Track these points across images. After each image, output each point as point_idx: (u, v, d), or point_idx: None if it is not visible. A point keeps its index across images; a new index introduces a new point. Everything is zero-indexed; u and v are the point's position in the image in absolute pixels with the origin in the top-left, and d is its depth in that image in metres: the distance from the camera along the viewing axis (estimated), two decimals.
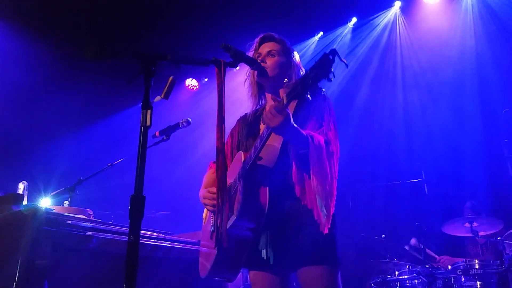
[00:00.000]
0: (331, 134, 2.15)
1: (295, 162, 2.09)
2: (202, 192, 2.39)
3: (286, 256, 2.12)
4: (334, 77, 1.71)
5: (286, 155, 2.16)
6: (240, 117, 2.60)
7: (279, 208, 2.14)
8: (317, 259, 2.08)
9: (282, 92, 2.22)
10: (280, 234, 2.14)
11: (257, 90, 2.47)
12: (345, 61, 1.74)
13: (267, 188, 2.11)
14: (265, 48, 2.39)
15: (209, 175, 2.54)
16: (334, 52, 1.71)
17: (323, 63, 1.71)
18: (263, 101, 2.50)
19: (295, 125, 1.98)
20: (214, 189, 2.30)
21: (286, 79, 2.27)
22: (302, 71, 2.36)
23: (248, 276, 2.35)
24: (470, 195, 5.32)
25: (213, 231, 2.35)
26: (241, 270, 2.44)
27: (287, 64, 2.36)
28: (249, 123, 2.47)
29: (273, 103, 1.94)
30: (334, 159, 2.11)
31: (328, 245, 2.10)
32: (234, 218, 2.10)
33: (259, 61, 2.32)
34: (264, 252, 2.16)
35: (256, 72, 2.35)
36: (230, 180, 2.24)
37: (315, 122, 2.19)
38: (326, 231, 2.01)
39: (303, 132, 2.04)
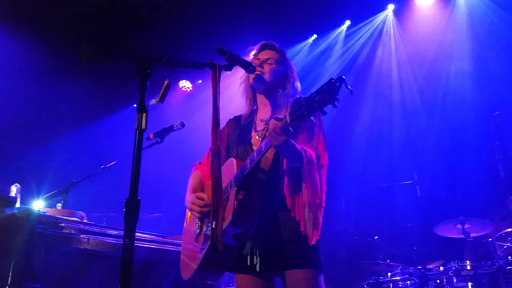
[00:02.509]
0: (320, 147, 2.23)
1: (287, 175, 2.15)
2: (190, 197, 2.40)
3: (272, 261, 2.19)
4: (339, 102, 1.75)
5: (277, 166, 2.23)
6: (230, 119, 2.61)
7: (268, 217, 2.20)
8: (302, 263, 2.16)
9: (283, 112, 2.22)
10: (267, 241, 2.21)
11: (251, 94, 2.50)
12: (350, 88, 1.78)
13: (259, 197, 2.17)
14: (265, 55, 2.44)
15: (194, 177, 2.55)
16: (341, 80, 1.76)
17: (330, 89, 1.77)
18: (255, 106, 2.52)
19: (292, 141, 2.05)
20: (202, 195, 2.35)
21: (280, 90, 2.36)
22: (298, 84, 2.44)
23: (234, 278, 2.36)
24: (462, 197, 5.36)
25: (198, 234, 2.38)
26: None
27: (283, 73, 2.42)
28: (240, 128, 2.49)
29: (275, 121, 1.99)
30: (323, 172, 2.20)
31: (313, 250, 2.18)
32: (226, 224, 2.12)
33: (256, 66, 2.36)
34: (249, 258, 2.22)
35: (252, 77, 2.38)
36: None
37: (305, 135, 2.26)
38: (313, 242, 2.10)
39: (298, 147, 2.11)
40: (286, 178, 2.16)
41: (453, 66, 6.00)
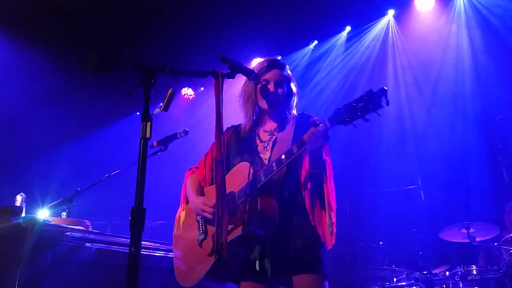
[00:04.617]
0: (328, 158, 2.28)
1: (310, 180, 2.20)
2: (198, 200, 2.37)
3: (281, 266, 2.20)
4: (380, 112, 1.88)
5: (293, 172, 2.27)
6: (228, 128, 2.61)
7: (284, 222, 2.21)
8: (311, 268, 2.19)
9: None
10: (279, 245, 2.22)
11: (253, 107, 2.49)
12: (388, 100, 1.88)
13: (276, 201, 2.20)
14: (274, 75, 2.45)
15: (193, 181, 2.52)
16: (383, 91, 1.88)
17: (373, 98, 1.88)
18: (254, 117, 2.52)
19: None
20: (213, 200, 2.32)
21: (287, 110, 2.47)
22: (295, 96, 2.52)
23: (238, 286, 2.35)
24: (466, 201, 5.34)
25: (203, 239, 2.35)
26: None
27: (290, 92, 2.50)
28: (242, 138, 2.50)
29: (313, 127, 2.07)
30: (332, 181, 2.26)
31: (323, 255, 2.23)
32: (248, 227, 2.11)
33: (269, 93, 2.41)
34: (258, 263, 2.22)
35: (264, 102, 2.43)
36: (232, 189, 2.27)
37: None
38: (330, 247, 2.14)
39: (323, 154, 2.19)
40: (309, 184, 2.20)
41: (455, 70, 6.00)
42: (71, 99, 6.60)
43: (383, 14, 6.55)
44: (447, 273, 4.29)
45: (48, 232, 2.55)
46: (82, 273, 2.61)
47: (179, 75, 1.83)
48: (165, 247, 3.22)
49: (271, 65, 2.46)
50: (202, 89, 7.93)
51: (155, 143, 3.08)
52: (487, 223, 4.67)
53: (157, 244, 3.18)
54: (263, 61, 2.50)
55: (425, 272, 4.41)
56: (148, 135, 1.61)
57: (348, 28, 6.77)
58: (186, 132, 3.11)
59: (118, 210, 5.45)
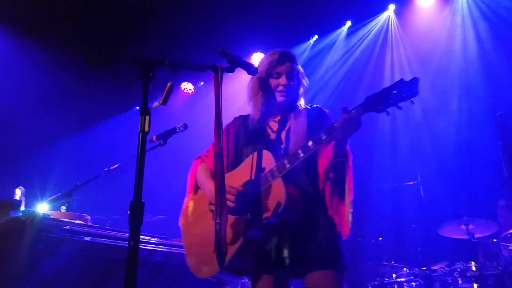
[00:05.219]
0: (348, 147, 2.25)
1: (333, 170, 2.19)
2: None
3: (300, 257, 2.17)
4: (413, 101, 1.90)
5: (311, 162, 2.25)
6: (236, 117, 2.58)
7: (303, 211, 2.19)
8: (329, 264, 2.17)
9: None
10: (298, 235, 2.19)
11: (262, 99, 2.43)
12: (418, 90, 1.90)
13: (297, 188, 2.20)
14: (286, 68, 2.40)
15: (205, 170, 2.45)
16: (416, 81, 1.90)
17: (406, 87, 1.90)
18: (264, 109, 2.45)
19: None
20: (235, 185, 2.23)
21: (298, 101, 2.44)
22: (304, 88, 2.50)
23: (250, 277, 2.31)
24: (465, 197, 5.34)
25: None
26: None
27: (300, 84, 2.47)
28: (251, 129, 2.45)
29: (344, 113, 2.06)
30: None
31: (339, 251, 2.22)
32: (272, 216, 2.08)
33: (281, 86, 2.37)
34: (275, 253, 2.18)
35: (277, 95, 2.39)
36: (250, 178, 2.24)
37: None
38: (345, 237, 2.15)
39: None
40: (331, 173, 2.19)
41: (455, 66, 5.98)
42: (71, 93, 6.59)
43: (383, 9, 6.53)
44: (446, 269, 4.30)
45: (48, 226, 2.55)
46: (81, 267, 2.61)
47: (178, 68, 1.81)
48: (164, 241, 3.22)
49: (283, 57, 2.41)
50: (201, 83, 7.92)
51: (154, 138, 3.07)
52: (486, 219, 4.68)
53: (156, 239, 3.18)
54: (273, 53, 2.44)
55: (424, 268, 4.41)
56: (147, 129, 1.60)
57: (348, 23, 6.75)
58: (185, 127, 3.09)
59: (117, 204, 5.45)
